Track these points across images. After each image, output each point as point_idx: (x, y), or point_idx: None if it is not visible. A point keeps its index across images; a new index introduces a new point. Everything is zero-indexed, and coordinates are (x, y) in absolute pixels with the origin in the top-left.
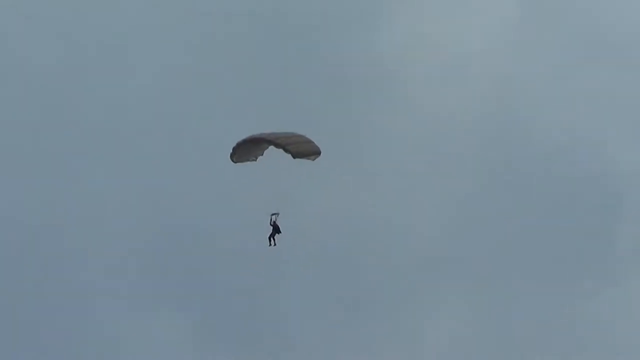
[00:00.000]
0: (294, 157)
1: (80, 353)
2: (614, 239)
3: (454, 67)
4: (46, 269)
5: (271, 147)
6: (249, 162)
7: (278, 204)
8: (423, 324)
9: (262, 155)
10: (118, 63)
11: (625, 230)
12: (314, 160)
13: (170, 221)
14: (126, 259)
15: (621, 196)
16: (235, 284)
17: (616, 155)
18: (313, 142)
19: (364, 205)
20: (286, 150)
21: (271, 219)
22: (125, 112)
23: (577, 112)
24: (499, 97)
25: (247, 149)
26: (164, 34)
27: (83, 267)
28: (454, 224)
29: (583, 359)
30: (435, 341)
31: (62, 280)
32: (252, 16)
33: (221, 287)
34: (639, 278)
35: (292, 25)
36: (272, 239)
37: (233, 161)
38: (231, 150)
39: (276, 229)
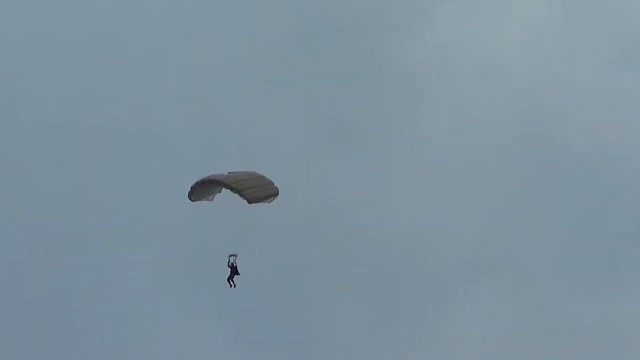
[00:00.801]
0: (249, 203)
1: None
2: None
3: (493, 68)
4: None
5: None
6: (206, 201)
7: (237, 246)
8: (460, 325)
9: (220, 192)
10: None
11: None
12: (270, 202)
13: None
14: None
15: None
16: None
17: None
18: (270, 184)
19: (402, 205)
20: (242, 196)
21: (229, 261)
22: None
23: (615, 113)
24: (538, 97)
25: (205, 189)
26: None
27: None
28: (493, 225)
29: None
30: (471, 342)
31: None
32: (295, 14)
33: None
34: None
35: (334, 24)
36: (230, 280)
37: (191, 200)
38: (189, 189)
39: (234, 271)
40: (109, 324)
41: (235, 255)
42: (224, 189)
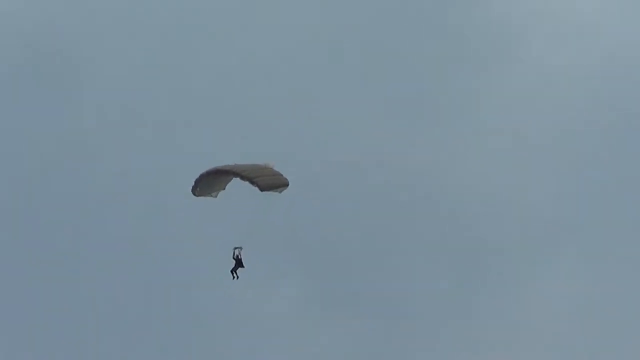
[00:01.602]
0: (261, 190)
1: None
2: None
3: (575, 30)
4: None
5: (235, 180)
6: (209, 197)
7: (242, 239)
8: (545, 286)
9: (224, 189)
10: None
11: None
12: (280, 192)
13: None
14: None
15: None
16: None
17: None
18: (280, 175)
19: (488, 165)
20: (253, 184)
21: (234, 253)
22: None
23: None
24: (621, 59)
25: (210, 182)
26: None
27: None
28: (578, 184)
29: None
30: (556, 303)
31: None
32: None
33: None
34: None
35: None
36: (234, 272)
37: (194, 194)
38: (193, 183)
39: (239, 263)
40: (193, 282)
41: (240, 248)
42: (230, 183)
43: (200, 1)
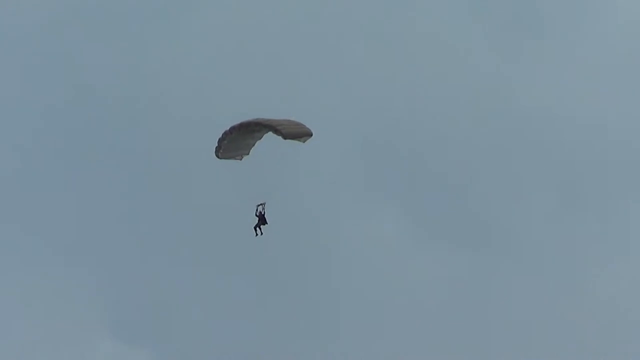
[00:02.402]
0: (284, 138)
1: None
2: None
3: None
4: None
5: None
6: (234, 160)
7: (265, 194)
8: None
9: (247, 154)
10: None
11: None
12: (304, 142)
13: None
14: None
15: None
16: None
17: None
18: (303, 125)
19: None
20: (276, 132)
21: (257, 210)
22: None
23: None
24: None
25: (233, 140)
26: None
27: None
28: None
29: None
30: None
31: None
32: None
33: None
34: None
35: None
36: (257, 228)
37: (217, 156)
38: (216, 143)
39: (262, 219)
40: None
41: (263, 204)
42: (253, 146)
43: None
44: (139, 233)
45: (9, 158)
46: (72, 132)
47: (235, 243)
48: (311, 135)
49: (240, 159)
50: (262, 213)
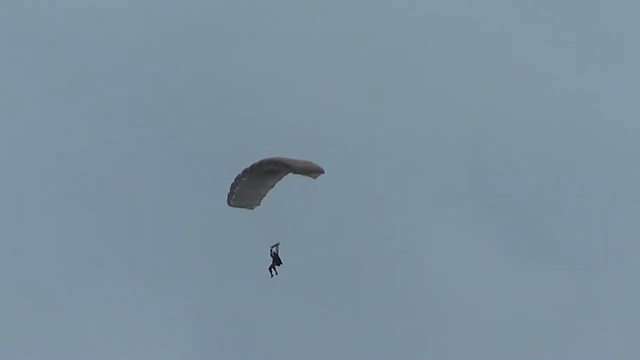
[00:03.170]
0: (294, 173)
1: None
2: None
3: None
4: None
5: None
6: (245, 209)
7: (278, 235)
8: None
9: (258, 204)
10: None
11: None
12: (315, 178)
13: None
14: None
15: None
16: None
17: None
18: (313, 163)
19: None
20: (287, 168)
21: (271, 251)
22: None
23: None
24: None
25: (246, 187)
26: None
27: None
28: None
29: None
30: None
31: None
32: None
33: None
34: None
35: None
36: (272, 269)
37: (229, 204)
38: (229, 190)
39: (276, 260)
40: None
41: (277, 245)
42: (265, 196)
43: None
44: (226, 253)
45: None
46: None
47: (333, 263)
48: (322, 172)
49: (252, 209)
50: (276, 253)
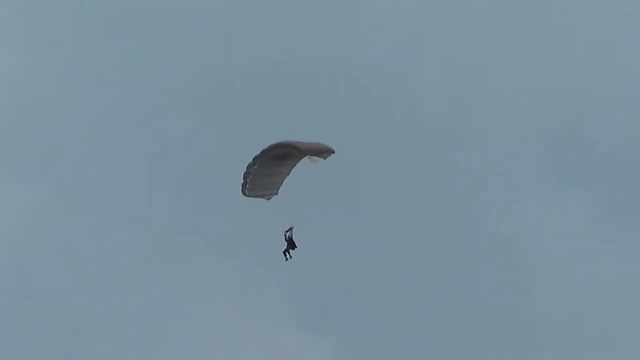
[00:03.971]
0: (303, 155)
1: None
2: None
3: None
4: None
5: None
6: (262, 199)
7: (293, 219)
8: None
9: (276, 194)
10: None
11: None
12: (325, 159)
13: None
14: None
15: None
16: None
17: None
18: (322, 143)
19: None
20: (294, 149)
21: (286, 235)
22: None
23: None
24: None
25: (259, 175)
26: None
27: None
28: None
29: None
30: None
31: None
32: None
33: None
34: None
35: None
36: (287, 253)
37: (244, 194)
38: (242, 179)
39: (291, 244)
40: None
41: (291, 229)
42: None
43: None
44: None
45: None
46: None
47: (434, 239)
48: (333, 152)
49: (269, 199)
50: (291, 237)
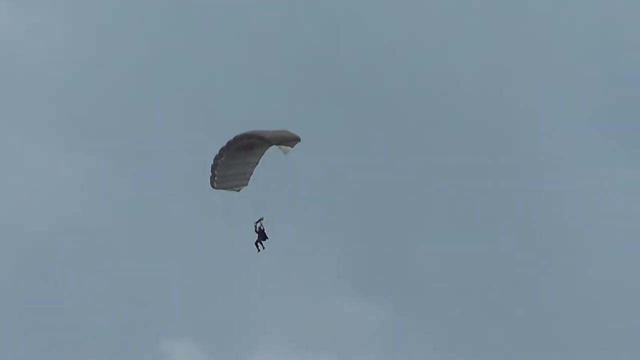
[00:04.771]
0: (270, 144)
1: None
2: None
3: None
4: None
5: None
6: (231, 192)
7: (262, 210)
8: None
9: (245, 186)
10: None
11: None
12: (293, 147)
13: None
14: None
15: None
16: None
17: None
18: (288, 131)
19: None
20: (260, 139)
21: (256, 226)
22: None
23: None
24: None
25: (226, 167)
26: None
27: None
28: None
29: None
30: None
31: None
32: None
33: None
34: None
35: None
36: (258, 244)
37: (213, 187)
38: (211, 174)
39: (262, 235)
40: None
41: (261, 220)
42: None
43: None
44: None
45: None
46: None
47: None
48: (299, 140)
49: (238, 191)
50: (262, 229)
